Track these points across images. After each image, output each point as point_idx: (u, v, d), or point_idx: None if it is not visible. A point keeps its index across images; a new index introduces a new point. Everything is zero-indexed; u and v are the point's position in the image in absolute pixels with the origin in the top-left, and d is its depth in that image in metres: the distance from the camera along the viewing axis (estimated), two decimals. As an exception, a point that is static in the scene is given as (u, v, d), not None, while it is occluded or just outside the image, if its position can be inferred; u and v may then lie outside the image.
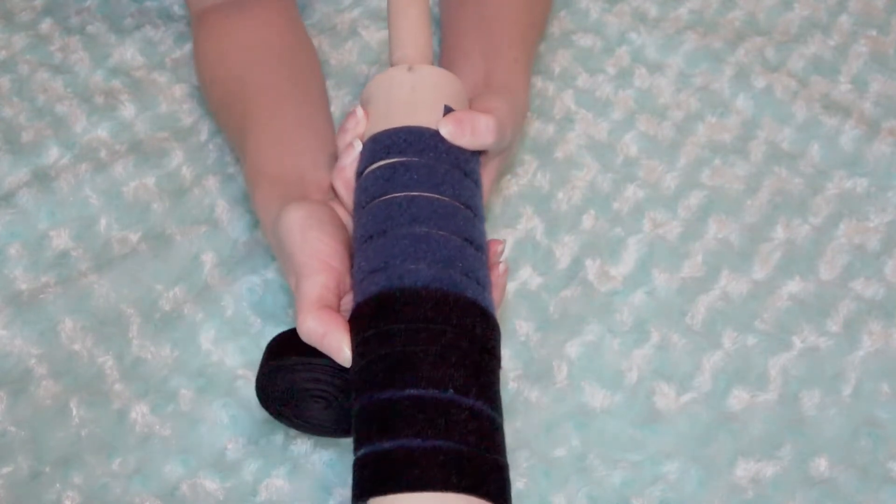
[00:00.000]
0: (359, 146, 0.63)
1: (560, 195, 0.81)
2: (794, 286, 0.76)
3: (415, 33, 0.66)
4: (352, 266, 0.61)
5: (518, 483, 0.66)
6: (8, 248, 0.77)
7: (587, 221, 0.80)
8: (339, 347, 0.56)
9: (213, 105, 0.80)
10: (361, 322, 0.56)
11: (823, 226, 0.80)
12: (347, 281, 0.60)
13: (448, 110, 0.63)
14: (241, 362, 0.72)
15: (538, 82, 0.88)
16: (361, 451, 0.53)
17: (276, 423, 0.69)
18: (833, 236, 0.79)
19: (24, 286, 0.75)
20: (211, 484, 0.66)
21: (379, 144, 0.62)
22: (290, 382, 0.59)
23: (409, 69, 0.65)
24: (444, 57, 0.80)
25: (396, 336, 0.55)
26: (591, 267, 0.77)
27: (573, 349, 0.73)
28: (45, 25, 0.93)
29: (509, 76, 0.73)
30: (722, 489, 0.67)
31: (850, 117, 0.86)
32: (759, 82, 0.88)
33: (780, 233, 0.79)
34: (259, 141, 0.71)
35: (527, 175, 0.82)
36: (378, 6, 0.94)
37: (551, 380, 0.71)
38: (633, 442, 0.69)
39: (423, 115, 0.62)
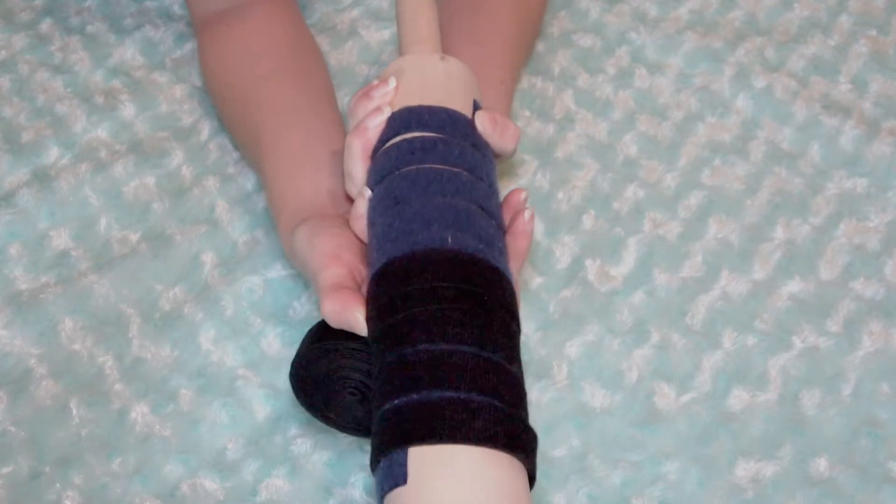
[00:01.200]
0: (388, 112, 0.65)
1: (560, 195, 0.81)
2: (794, 286, 0.76)
3: (431, 27, 0.70)
4: (365, 256, 0.62)
5: (518, 483, 0.66)
6: (8, 248, 0.77)
7: (587, 221, 0.80)
8: (355, 318, 0.57)
9: (225, 120, 0.81)
10: (378, 288, 0.57)
11: (823, 226, 0.80)
12: (362, 271, 0.61)
13: (477, 107, 0.67)
14: (241, 362, 0.72)
15: (538, 82, 0.88)
16: (395, 402, 0.52)
17: (276, 423, 0.69)
18: (833, 236, 0.79)
19: (24, 286, 0.75)
20: (211, 484, 0.66)
21: (416, 117, 0.64)
22: (329, 367, 0.60)
23: (442, 58, 0.67)
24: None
25: (416, 298, 0.55)
26: (591, 267, 0.77)
27: (573, 349, 0.73)
28: (45, 25, 0.93)
29: (494, 99, 0.74)
30: (722, 489, 0.67)
31: (850, 117, 0.86)
32: (759, 82, 0.88)
33: (780, 233, 0.79)
34: (273, 167, 0.72)
35: (527, 175, 0.82)
36: (378, 6, 0.94)
37: (551, 380, 0.71)
38: (633, 442, 0.69)
39: (459, 103, 0.65)
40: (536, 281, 0.76)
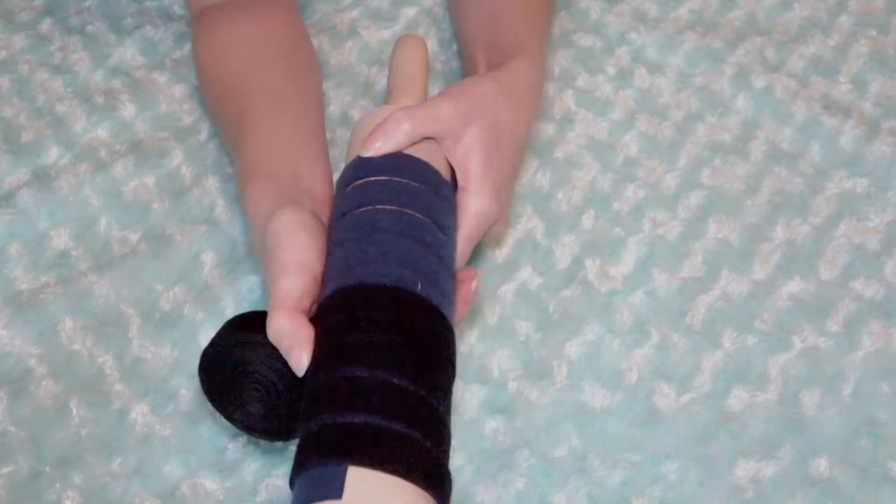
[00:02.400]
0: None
1: (560, 195, 0.81)
2: (794, 286, 0.76)
3: (416, 81, 0.71)
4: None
5: (518, 483, 0.66)
6: (8, 248, 0.77)
7: (587, 221, 0.80)
8: (299, 357, 0.56)
9: (210, 102, 0.80)
10: (320, 319, 0.57)
11: (823, 226, 0.80)
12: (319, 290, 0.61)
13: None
14: (241, 362, 0.72)
15: (538, 82, 0.88)
16: (338, 418, 0.52)
17: (276, 423, 0.69)
18: (833, 236, 0.79)
19: (24, 286, 0.75)
20: (211, 484, 0.66)
21: (340, 177, 0.65)
22: (240, 361, 0.59)
23: (380, 109, 0.68)
24: (462, 64, 0.81)
25: (356, 326, 0.55)
26: (591, 267, 0.77)
27: (573, 349, 0.73)
28: (45, 25, 0.93)
29: (505, 53, 0.73)
30: (722, 489, 0.67)
31: (850, 117, 0.86)
32: (759, 82, 0.88)
33: (780, 233, 0.79)
34: (256, 140, 0.71)
35: (527, 175, 0.82)
36: (378, 6, 0.94)
37: (551, 380, 0.71)
38: (633, 442, 0.69)
39: (425, 153, 0.65)
40: (536, 281, 0.76)
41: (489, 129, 0.67)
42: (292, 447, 0.68)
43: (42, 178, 0.81)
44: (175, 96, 0.87)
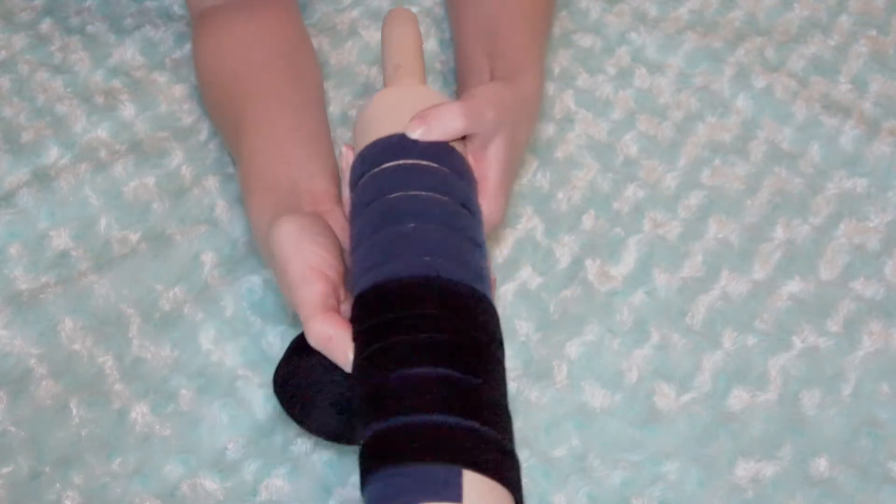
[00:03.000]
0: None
1: (560, 195, 0.81)
2: (794, 286, 0.76)
3: (415, 57, 0.70)
4: (346, 274, 0.61)
5: (518, 483, 0.66)
6: (8, 248, 0.77)
7: (587, 221, 0.80)
8: (344, 352, 0.57)
9: (209, 104, 0.80)
10: (360, 318, 0.57)
11: (823, 226, 0.80)
12: (342, 292, 0.60)
13: None
14: (241, 362, 0.72)
15: (538, 82, 0.88)
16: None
17: (276, 422, 0.69)
18: (833, 236, 0.79)
19: (24, 286, 0.75)
20: (211, 484, 0.66)
21: (400, 144, 0.63)
22: (308, 380, 0.60)
23: (426, 90, 0.67)
24: (457, 66, 0.81)
25: (398, 325, 0.55)
26: (591, 267, 0.77)
27: (573, 349, 0.73)
28: (45, 25, 0.93)
29: (512, 65, 0.73)
30: (722, 489, 0.67)
31: (850, 117, 0.86)
32: (759, 82, 0.88)
33: (780, 233, 0.79)
34: (254, 146, 0.71)
35: (527, 175, 0.82)
36: (378, 6, 0.94)
37: (551, 380, 0.71)
38: (633, 442, 0.69)
39: (395, 125, 0.64)
40: (536, 281, 0.76)
41: (510, 141, 0.67)
42: (291, 447, 0.68)
43: (42, 178, 0.81)
44: (175, 96, 0.87)
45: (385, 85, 0.70)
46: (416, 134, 0.63)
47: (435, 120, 0.63)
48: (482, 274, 0.59)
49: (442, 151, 0.63)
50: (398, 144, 0.63)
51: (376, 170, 0.63)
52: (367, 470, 0.53)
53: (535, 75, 0.73)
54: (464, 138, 0.66)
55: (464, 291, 0.57)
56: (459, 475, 0.51)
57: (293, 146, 0.71)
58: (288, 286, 0.60)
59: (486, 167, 0.66)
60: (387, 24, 0.73)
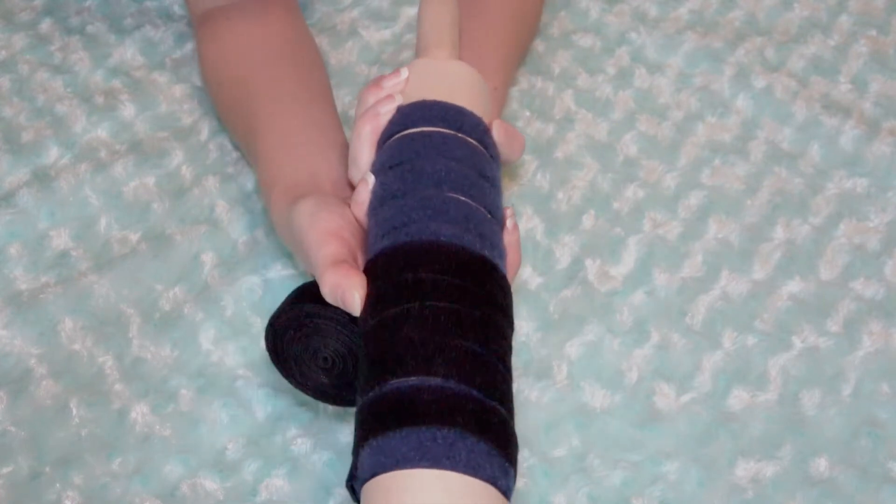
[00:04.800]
0: (399, 100, 0.65)
1: (560, 195, 0.81)
2: (794, 286, 0.76)
3: (451, 32, 0.70)
4: (364, 240, 0.62)
5: (518, 483, 0.66)
6: (8, 248, 0.77)
7: (587, 221, 0.80)
8: (352, 294, 0.57)
9: (220, 107, 0.81)
10: (376, 273, 0.58)
11: (823, 226, 0.80)
12: (359, 256, 0.61)
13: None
14: (241, 362, 0.72)
15: (538, 82, 0.88)
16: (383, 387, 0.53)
17: (276, 423, 0.69)
18: (833, 236, 0.79)
19: (24, 286, 0.75)
20: (211, 484, 0.66)
21: (429, 111, 0.64)
22: (303, 332, 0.60)
23: (459, 63, 0.68)
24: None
25: (415, 288, 0.56)
26: (591, 267, 0.77)
27: (573, 349, 0.73)
28: (45, 25, 0.93)
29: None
30: (722, 489, 0.67)
31: (850, 117, 0.86)
32: (759, 82, 0.88)
33: (780, 233, 0.79)
34: (269, 147, 0.72)
35: (527, 175, 0.82)
36: (378, 6, 0.94)
37: (551, 380, 0.71)
38: (633, 442, 0.69)
39: (472, 106, 0.65)
40: (536, 281, 0.76)
41: None
42: (291, 447, 0.68)
43: (42, 178, 0.81)
44: (175, 96, 0.87)
45: (417, 56, 0.70)
46: (498, 139, 0.65)
47: (514, 142, 0.66)
48: (499, 246, 0.60)
49: (473, 124, 0.64)
50: (429, 111, 0.64)
51: (404, 133, 0.63)
52: (366, 434, 0.53)
53: (500, 106, 0.76)
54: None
55: (480, 262, 0.58)
56: (471, 442, 0.51)
57: (307, 141, 0.71)
58: (307, 256, 0.61)
59: None
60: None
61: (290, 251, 0.71)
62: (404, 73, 0.66)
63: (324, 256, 0.59)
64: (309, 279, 0.63)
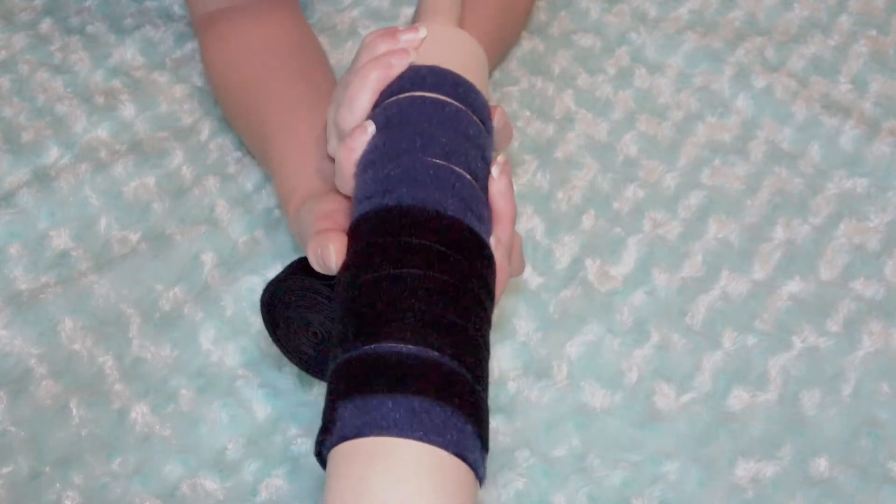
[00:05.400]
0: (413, 56, 0.63)
1: (560, 195, 0.81)
2: (794, 286, 0.76)
3: (445, 4, 0.68)
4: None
5: (518, 483, 0.66)
6: (8, 248, 0.77)
7: (587, 221, 0.80)
8: (327, 249, 0.57)
9: (228, 113, 0.81)
10: (356, 235, 0.57)
11: (823, 226, 0.80)
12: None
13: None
14: (241, 362, 0.72)
15: (538, 82, 0.88)
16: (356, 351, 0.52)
17: (276, 423, 0.69)
18: (833, 236, 0.79)
19: (24, 286, 0.75)
20: (211, 484, 0.66)
21: (436, 76, 0.62)
22: (295, 302, 0.61)
23: (463, 32, 0.67)
24: None
25: (394, 250, 0.55)
26: (591, 267, 0.77)
27: (573, 349, 0.73)
28: (45, 25, 0.93)
29: None
30: (722, 489, 0.67)
31: (850, 117, 0.86)
32: (759, 82, 0.88)
33: (780, 233, 0.79)
34: (282, 156, 0.72)
35: (527, 175, 0.82)
36: (378, 6, 0.94)
37: (551, 380, 0.71)
38: (633, 442, 0.69)
39: (474, 78, 0.64)
40: (536, 281, 0.76)
41: None
42: (291, 447, 0.68)
43: (42, 178, 0.81)
44: (175, 96, 0.87)
45: (417, 20, 0.68)
46: (497, 120, 0.64)
47: (506, 128, 0.65)
48: (484, 217, 0.59)
49: (481, 104, 0.63)
50: (445, 80, 0.62)
51: (415, 94, 0.61)
52: (349, 391, 0.51)
53: None
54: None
55: (465, 232, 0.57)
56: (461, 423, 0.51)
57: (316, 146, 0.71)
58: (306, 243, 0.62)
59: None
60: None
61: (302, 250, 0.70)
62: (423, 31, 0.63)
63: (317, 229, 0.60)
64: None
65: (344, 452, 0.50)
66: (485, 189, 0.60)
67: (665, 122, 0.86)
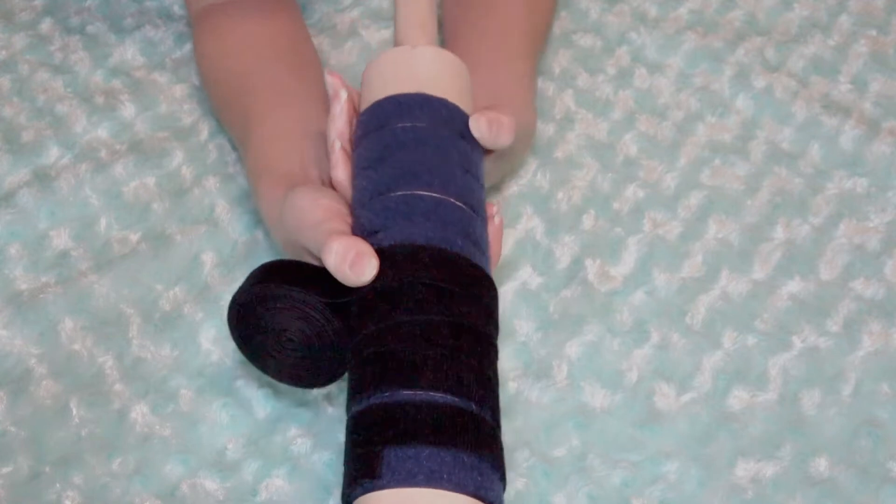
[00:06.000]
0: (344, 94, 0.65)
1: (560, 195, 0.81)
2: (794, 286, 0.76)
3: (427, 17, 0.68)
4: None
5: (518, 483, 0.66)
6: (8, 248, 0.77)
7: (587, 221, 0.80)
8: (369, 260, 0.56)
9: (215, 102, 0.80)
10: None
11: (823, 226, 0.80)
12: None
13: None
14: (241, 362, 0.72)
15: (538, 82, 0.88)
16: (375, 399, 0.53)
17: (276, 423, 0.69)
18: (833, 236, 0.79)
19: (24, 286, 0.75)
20: (211, 484, 0.66)
21: (402, 106, 0.63)
22: (273, 313, 0.59)
23: (435, 49, 0.66)
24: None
25: (406, 298, 0.55)
26: (591, 267, 0.77)
27: (573, 349, 0.73)
28: (45, 25, 0.93)
29: (515, 91, 0.74)
30: (722, 489, 0.67)
31: (850, 117, 0.86)
32: (759, 82, 0.88)
33: (780, 233, 0.79)
34: (263, 136, 0.72)
35: (527, 175, 0.82)
36: (378, 6, 0.94)
37: (551, 380, 0.71)
38: (633, 442, 0.69)
39: (450, 94, 0.64)
40: (536, 281, 0.76)
41: (500, 171, 0.71)
42: (291, 447, 0.68)
43: (42, 178, 0.81)
44: (175, 96, 0.87)
45: (396, 44, 0.68)
46: (479, 133, 0.64)
47: (501, 129, 0.64)
48: (482, 244, 0.60)
49: (448, 116, 0.63)
50: (399, 106, 0.63)
51: (389, 127, 0.62)
52: (395, 439, 0.52)
53: (531, 106, 0.75)
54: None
55: (478, 270, 0.58)
56: (492, 474, 0.52)
57: (302, 136, 0.71)
58: (304, 234, 0.60)
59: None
60: None
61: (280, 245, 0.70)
62: (343, 94, 0.66)
63: (329, 229, 0.59)
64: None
65: (392, 500, 0.51)
66: (467, 202, 0.61)
67: (665, 122, 0.86)
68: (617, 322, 0.74)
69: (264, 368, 0.62)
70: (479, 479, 0.51)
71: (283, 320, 0.59)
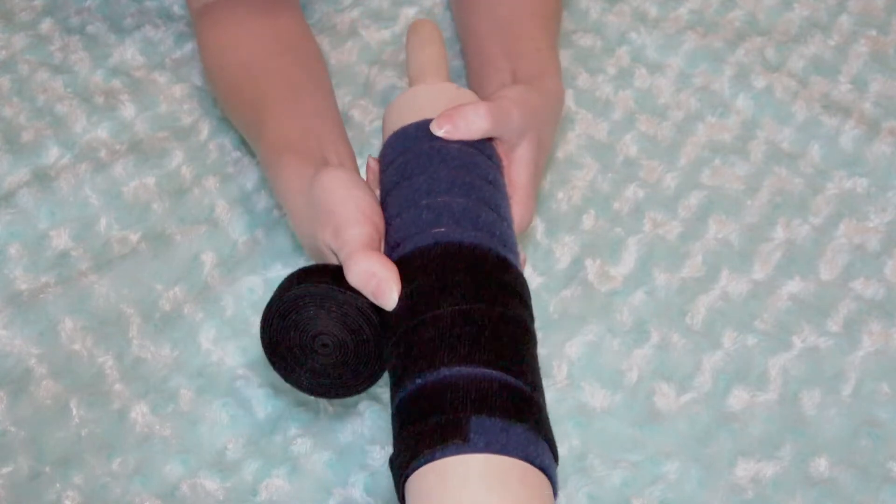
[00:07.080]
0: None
1: (560, 195, 0.81)
2: (794, 286, 0.76)
3: (436, 62, 0.71)
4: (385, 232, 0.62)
5: (518, 483, 0.66)
6: (8, 248, 0.77)
7: (587, 221, 0.80)
8: (391, 291, 0.56)
9: (221, 90, 0.79)
10: (410, 272, 0.57)
11: (823, 226, 0.80)
12: (381, 244, 0.61)
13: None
14: (241, 362, 0.72)
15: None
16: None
17: (276, 423, 0.69)
18: (833, 236, 0.79)
19: (24, 286, 0.75)
20: (211, 484, 0.66)
21: (416, 129, 0.65)
22: (309, 316, 0.58)
23: (441, 83, 0.69)
24: (469, 66, 0.81)
25: (456, 289, 0.56)
26: (591, 267, 0.77)
27: (573, 349, 0.73)
28: (45, 25, 0.93)
29: (534, 66, 0.74)
30: (722, 489, 0.67)
31: (850, 117, 0.86)
32: (759, 82, 0.88)
33: (780, 233, 0.79)
34: (279, 118, 0.71)
35: (527, 175, 0.82)
36: (378, 6, 0.94)
37: (551, 379, 0.71)
38: (633, 442, 0.69)
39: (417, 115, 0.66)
40: (536, 281, 0.76)
41: (537, 144, 0.68)
42: (291, 447, 0.68)
43: (42, 178, 0.81)
44: (175, 96, 0.87)
45: (410, 86, 0.71)
46: (442, 132, 0.64)
47: (461, 119, 0.64)
48: (512, 245, 0.61)
49: (480, 142, 0.65)
50: (410, 132, 0.65)
51: (415, 149, 0.64)
52: (482, 409, 0.52)
53: (556, 76, 0.74)
54: (491, 140, 0.66)
55: (503, 264, 0.59)
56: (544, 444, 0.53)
57: (316, 121, 0.71)
58: (337, 223, 0.60)
59: (515, 170, 0.67)
60: (410, 32, 0.75)
61: (291, 226, 0.69)
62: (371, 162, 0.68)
63: (357, 235, 0.58)
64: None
65: (468, 468, 0.51)
66: (493, 207, 0.62)
67: (665, 122, 0.86)
68: (617, 322, 0.74)
69: (297, 379, 0.61)
70: (548, 461, 0.53)
71: (323, 322, 0.58)
